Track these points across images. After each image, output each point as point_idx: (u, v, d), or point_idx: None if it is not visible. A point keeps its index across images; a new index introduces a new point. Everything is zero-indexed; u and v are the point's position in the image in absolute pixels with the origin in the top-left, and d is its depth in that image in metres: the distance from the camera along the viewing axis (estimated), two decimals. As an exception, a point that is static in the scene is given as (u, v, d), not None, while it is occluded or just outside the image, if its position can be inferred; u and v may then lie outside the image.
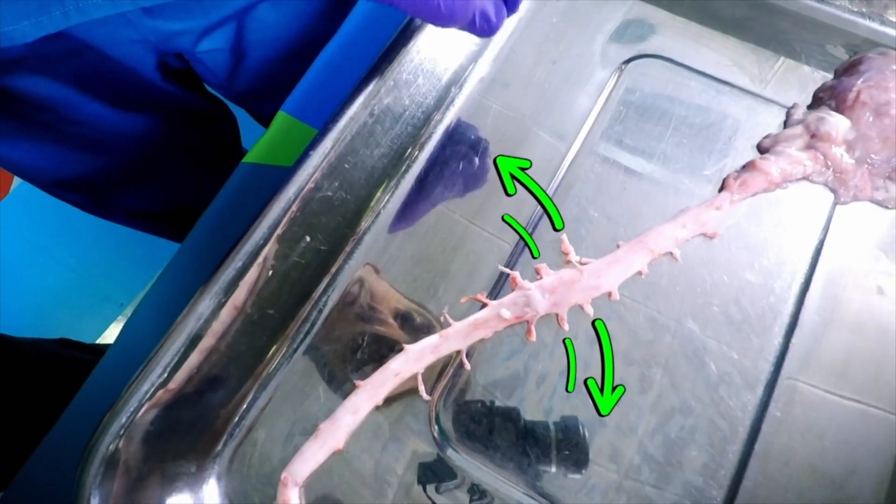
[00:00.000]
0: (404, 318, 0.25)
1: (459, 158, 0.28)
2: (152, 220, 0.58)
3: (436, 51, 0.28)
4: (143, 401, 0.20)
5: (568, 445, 0.23)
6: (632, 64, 0.30)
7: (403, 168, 0.27)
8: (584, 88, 0.29)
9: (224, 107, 0.57)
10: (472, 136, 0.28)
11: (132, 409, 0.20)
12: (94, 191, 0.50)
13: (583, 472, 0.22)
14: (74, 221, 0.92)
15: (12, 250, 0.93)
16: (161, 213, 0.58)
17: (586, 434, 0.23)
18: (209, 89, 0.52)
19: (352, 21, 0.33)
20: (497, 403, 0.24)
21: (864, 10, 0.30)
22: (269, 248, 0.23)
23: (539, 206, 0.26)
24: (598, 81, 0.29)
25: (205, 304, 0.21)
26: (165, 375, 0.20)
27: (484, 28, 0.22)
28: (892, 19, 0.29)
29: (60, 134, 0.42)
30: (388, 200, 0.27)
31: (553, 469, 0.22)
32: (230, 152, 0.58)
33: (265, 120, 0.42)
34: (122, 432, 0.19)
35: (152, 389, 0.20)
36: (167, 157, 0.51)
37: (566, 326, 0.24)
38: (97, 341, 0.88)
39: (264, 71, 0.46)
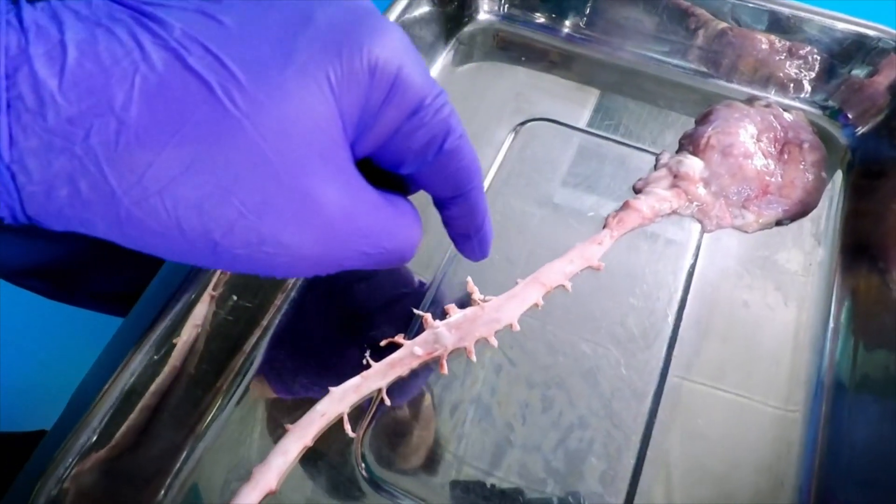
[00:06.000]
0: (330, 364, 0.28)
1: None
2: (119, 301, 0.59)
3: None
4: (82, 452, 0.22)
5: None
6: (525, 126, 0.34)
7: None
8: (485, 150, 0.34)
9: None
10: None
11: (70, 462, 0.21)
12: (58, 277, 0.52)
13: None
14: (40, 315, 0.93)
15: (-21, 349, 0.93)
16: (127, 294, 0.59)
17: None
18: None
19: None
20: (416, 434, 0.26)
21: (713, 72, 0.35)
22: (201, 308, 0.25)
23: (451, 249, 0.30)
24: (496, 143, 0.34)
25: (137, 363, 0.23)
26: (101, 430, 0.22)
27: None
28: (736, 78, 0.35)
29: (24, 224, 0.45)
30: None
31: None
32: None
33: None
34: (62, 482, 0.21)
35: (87, 446, 0.22)
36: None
37: (474, 358, 0.27)
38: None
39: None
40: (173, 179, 0.13)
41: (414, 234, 0.19)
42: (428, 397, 0.27)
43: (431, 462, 0.25)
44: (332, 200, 0.15)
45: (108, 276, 0.54)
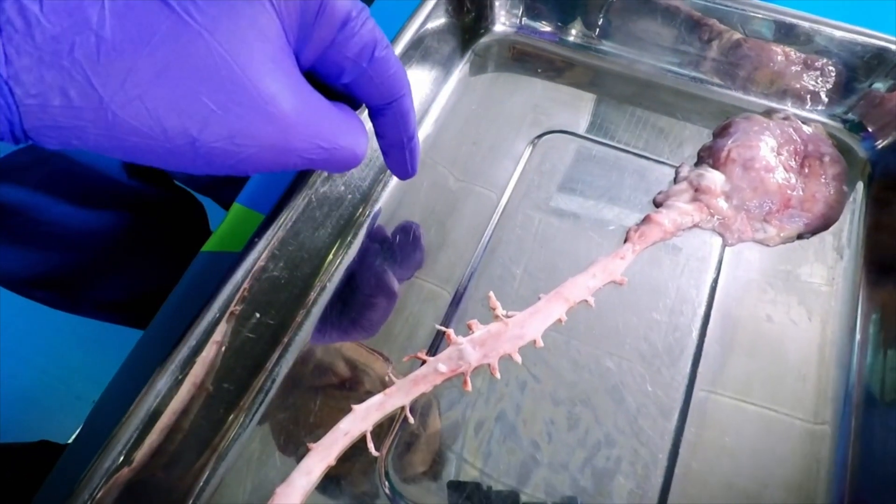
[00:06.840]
0: (352, 381, 0.27)
1: (396, 232, 0.31)
2: (122, 310, 0.59)
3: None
4: (106, 476, 0.21)
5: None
6: (542, 139, 0.34)
7: (345, 245, 0.30)
8: (503, 164, 0.33)
9: (190, 197, 0.60)
10: (406, 213, 0.32)
11: (96, 485, 0.21)
12: (63, 287, 0.51)
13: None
14: (40, 323, 0.92)
15: (-22, 356, 0.92)
16: (131, 302, 0.59)
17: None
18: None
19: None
20: (440, 452, 0.26)
21: (729, 83, 0.35)
22: (223, 326, 0.25)
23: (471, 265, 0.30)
24: (515, 156, 0.34)
25: (162, 382, 0.23)
26: (126, 452, 0.22)
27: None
28: (753, 89, 0.35)
29: (29, 235, 0.44)
30: (332, 275, 0.30)
31: (495, 509, 0.24)
32: (198, 239, 0.60)
33: (229, 206, 0.46)
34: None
35: (114, 467, 0.22)
36: (136, 248, 0.53)
37: (497, 375, 0.27)
38: (70, 440, 0.85)
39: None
40: (150, 83, 0.15)
41: (362, 134, 0.21)
42: (453, 415, 0.26)
43: (456, 480, 0.25)
44: (286, 97, 0.17)
45: (111, 285, 0.54)
